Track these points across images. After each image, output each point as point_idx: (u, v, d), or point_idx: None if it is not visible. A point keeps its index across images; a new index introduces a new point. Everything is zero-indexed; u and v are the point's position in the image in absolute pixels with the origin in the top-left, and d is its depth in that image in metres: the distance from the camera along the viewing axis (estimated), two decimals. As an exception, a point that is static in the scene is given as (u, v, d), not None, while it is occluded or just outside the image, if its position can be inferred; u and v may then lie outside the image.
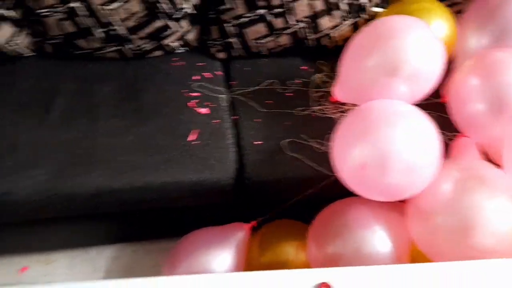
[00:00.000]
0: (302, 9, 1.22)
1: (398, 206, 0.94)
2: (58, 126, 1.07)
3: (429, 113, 0.92)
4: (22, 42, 1.22)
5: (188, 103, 1.17)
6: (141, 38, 1.23)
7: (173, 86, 1.20)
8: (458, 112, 1.00)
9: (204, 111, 1.16)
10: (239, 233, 1.10)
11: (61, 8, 1.15)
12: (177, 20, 1.23)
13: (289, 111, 1.16)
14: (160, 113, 1.13)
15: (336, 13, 1.25)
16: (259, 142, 1.10)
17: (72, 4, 1.15)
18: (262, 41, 1.28)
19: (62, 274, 1.21)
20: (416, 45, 0.94)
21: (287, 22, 1.24)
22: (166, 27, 1.23)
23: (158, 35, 1.24)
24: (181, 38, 1.28)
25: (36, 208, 0.99)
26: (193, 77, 1.24)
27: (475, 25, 1.09)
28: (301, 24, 1.25)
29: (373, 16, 1.28)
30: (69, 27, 1.18)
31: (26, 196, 0.96)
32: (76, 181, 0.98)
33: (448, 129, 1.03)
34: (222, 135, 1.11)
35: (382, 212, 0.92)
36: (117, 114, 1.10)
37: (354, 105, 1.10)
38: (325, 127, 1.08)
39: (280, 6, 1.21)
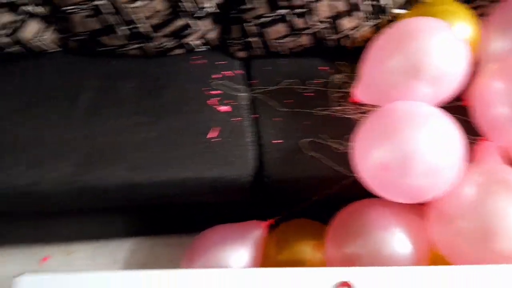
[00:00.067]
0: (323, 10, 1.22)
1: (418, 209, 0.94)
2: (83, 120, 1.09)
3: (450, 116, 0.92)
4: (48, 38, 1.25)
5: (208, 101, 1.18)
6: (164, 36, 1.25)
7: (194, 84, 1.22)
8: (481, 116, 0.99)
9: (224, 109, 1.17)
10: (257, 230, 1.11)
11: (86, 6, 1.18)
12: (199, 18, 1.24)
13: (309, 110, 1.16)
14: (181, 110, 1.14)
15: (357, 14, 1.25)
16: (279, 141, 1.11)
17: (97, 2, 1.17)
18: (282, 41, 1.28)
19: (83, 264, 1.25)
20: (439, 47, 0.93)
21: (307, 22, 1.24)
22: (188, 26, 1.24)
23: (180, 34, 1.26)
24: (202, 36, 1.29)
25: (61, 199, 1.02)
26: (214, 76, 1.25)
27: (501, 28, 1.08)
28: (322, 25, 1.25)
29: (395, 18, 1.28)
30: (93, 24, 1.21)
31: (51, 187, 0.99)
32: (99, 174, 1.00)
33: (470, 132, 1.02)
34: (242, 133, 1.12)
35: (401, 214, 0.92)
36: (139, 110, 1.13)
37: (374, 106, 1.11)
38: (344, 128, 1.09)
39: (302, 6, 1.21)
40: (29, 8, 1.19)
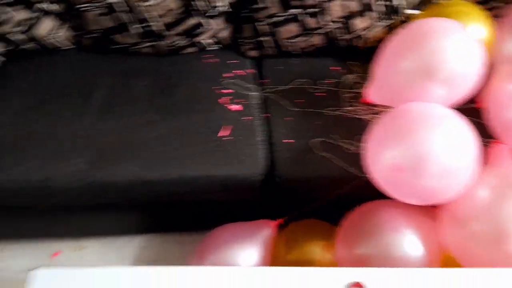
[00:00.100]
0: (336, 9, 1.22)
1: (430, 211, 0.94)
2: (96, 117, 1.10)
3: (464, 118, 0.91)
4: (62, 35, 1.26)
5: (219, 100, 1.19)
6: (176, 35, 1.25)
7: (206, 82, 1.22)
8: (495, 118, 0.99)
9: (235, 108, 1.17)
10: (266, 230, 1.12)
11: (100, 4, 1.19)
12: (211, 17, 1.25)
13: (320, 110, 1.16)
14: (192, 108, 1.15)
15: (370, 14, 1.24)
16: (290, 141, 1.11)
17: (111, 0, 1.18)
18: (294, 40, 1.28)
19: (93, 260, 1.26)
20: (454, 48, 0.93)
21: (320, 22, 1.24)
22: (200, 25, 1.25)
23: (192, 32, 1.26)
24: (214, 35, 1.30)
25: (74, 195, 1.03)
26: (225, 74, 1.26)
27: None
28: (334, 25, 1.25)
29: (407, 18, 1.27)
30: (107, 22, 1.22)
31: (64, 182, 1.00)
32: (112, 171, 1.01)
33: (483, 135, 1.01)
34: (253, 132, 1.12)
35: (413, 216, 0.91)
36: (152, 108, 1.13)
37: (386, 106, 1.10)
38: (356, 128, 1.09)
39: (315, 6, 1.21)
40: (44, 6, 1.20)
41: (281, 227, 1.15)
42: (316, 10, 1.22)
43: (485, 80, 1.04)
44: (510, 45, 1.08)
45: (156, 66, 1.26)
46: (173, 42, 1.27)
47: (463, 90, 0.97)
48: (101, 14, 1.20)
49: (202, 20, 1.24)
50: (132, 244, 1.29)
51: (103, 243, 1.29)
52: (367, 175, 0.96)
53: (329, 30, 1.26)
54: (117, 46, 1.27)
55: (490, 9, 1.24)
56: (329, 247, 1.06)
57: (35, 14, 1.20)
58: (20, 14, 1.18)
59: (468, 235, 0.84)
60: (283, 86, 1.23)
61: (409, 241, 0.89)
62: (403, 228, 0.89)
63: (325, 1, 1.20)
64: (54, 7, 1.22)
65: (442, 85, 0.92)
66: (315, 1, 1.20)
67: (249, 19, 1.28)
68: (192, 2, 1.20)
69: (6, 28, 1.18)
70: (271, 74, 1.28)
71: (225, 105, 1.17)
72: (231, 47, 1.34)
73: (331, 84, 1.24)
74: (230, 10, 1.27)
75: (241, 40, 1.33)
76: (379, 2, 1.23)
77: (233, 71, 1.27)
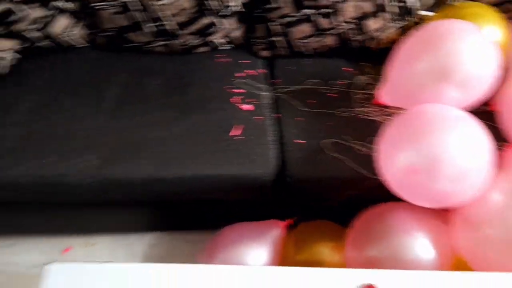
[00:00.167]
0: (349, 10, 1.22)
1: (441, 214, 0.93)
2: (109, 115, 1.11)
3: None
4: (77, 34, 1.27)
5: (231, 99, 1.19)
6: (189, 34, 1.26)
7: (218, 82, 1.23)
8: (509, 122, 0.98)
9: (247, 107, 1.18)
10: (275, 230, 1.12)
11: (115, 2, 1.20)
12: (224, 17, 1.25)
13: (332, 111, 1.16)
14: (204, 107, 1.15)
15: (383, 15, 1.24)
16: (301, 141, 1.11)
17: (125, -2, 1.20)
18: (306, 40, 1.28)
19: (103, 256, 1.27)
20: (470, 50, 0.92)
21: (332, 22, 1.24)
22: (213, 24, 1.25)
23: (205, 32, 1.27)
24: (227, 35, 1.30)
25: (86, 192, 1.04)
26: (237, 74, 1.26)
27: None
28: (347, 25, 1.24)
29: (421, 20, 1.27)
30: (121, 20, 1.23)
31: (78, 179, 1.01)
32: (124, 168, 1.02)
33: (497, 138, 1.00)
34: (264, 132, 1.12)
35: (425, 219, 0.91)
36: (164, 106, 1.14)
37: (399, 108, 1.10)
38: (367, 129, 1.08)
39: (328, 6, 1.21)
40: (59, 4, 1.22)
41: (290, 228, 1.15)
42: (329, 10, 1.22)
43: (500, 83, 1.03)
44: (526, 48, 1.07)
45: (168, 65, 1.27)
46: (186, 41, 1.28)
47: (478, 92, 0.96)
48: (115, 13, 1.21)
49: (215, 20, 1.25)
50: (141, 241, 1.30)
51: (113, 240, 1.30)
52: (378, 177, 0.96)
53: (342, 30, 1.25)
54: (131, 45, 1.28)
55: (505, 11, 1.23)
56: (339, 249, 1.06)
57: (51, 12, 1.21)
58: (36, 12, 1.20)
59: (480, 239, 0.83)
60: (294, 87, 1.23)
61: (421, 244, 0.89)
62: (414, 231, 0.88)
63: (338, 2, 1.20)
64: (69, 5, 1.23)
65: (457, 87, 0.92)
66: (329, 1, 1.20)
67: (262, 19, 1.28)
68: (205, 2, 1.21)
69: (22, 25, 1.20)
70: (283, 74, 1.29)
71: (237, 105, 1.18)
72: (243, 46, 1.35)
73: (343, 85, 1.23)
74: (243, 10, 1.27)
75: (254, 40, 1.33)
76: (392, 3, 1.22)
77: (245, 71, 1.28)
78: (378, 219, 0.94)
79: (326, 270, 0.76)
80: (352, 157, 1.05)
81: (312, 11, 1.22)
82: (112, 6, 1.20)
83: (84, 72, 1.23)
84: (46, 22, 1.22)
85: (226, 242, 1.11)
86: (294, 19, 1.24)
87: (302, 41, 1.28)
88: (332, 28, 1.25)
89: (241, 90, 1.22)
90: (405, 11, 1.25)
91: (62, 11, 1.23)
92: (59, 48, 1.28)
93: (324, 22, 1.24)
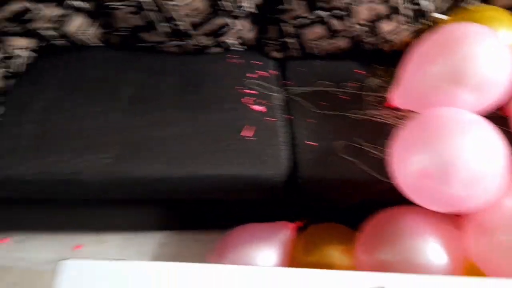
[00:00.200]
0: (363, 12, 1.21)
1: (453, 219, 0.92)
2: (123, 113, 1.12)
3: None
4: (92, 33, 1.29)
5: (242, 99, 1.19)
6: (202, 35, 1.27)
7: (229, 82, 1.23)
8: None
9: (258, 108, 1.18)
10: (285, 231, 1.12)
11: (129, 2, 1.21)
12: (237, 18, 1.26)
13: (343, 113, 1.16)
14: (216, 107, 1.16)
15: (397, 17, 1.23)
16: (312, 143, 1.11)
17: (140, -2, 1.21)
18: (319, 42, 1.28)
19: (113, 254, 1.28)
20: (486, 54, 0.91)
21: (346, 24, 1.24)
22: (226, 25, 1.26)
23: (218, 32, 1.27)
24: (239, 36, 1.31)
25: (99, 189, 1.05)
26: (249, 75, 1.26)
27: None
28: (360, 27, 1.24)
29: (435, 23, 1.26)
30: (135, 20, 1.24)
31: (90, 177, 1.02)
32: (137, 167, 1.03)
33: (510, 144, 0.99)
34: (275, 133, 1.12)
35: (437, 224, 0.90)
36: (177, 106, 1.15)
37: (411, 111, 1.09)
38: (379, 132, 1.08)
39: (342, 8, 1.21)
40: (75, 3, 1.23)
41: (300, 230, 1.15)
42: (343, 12, 1.22)
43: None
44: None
45: (181, 65, 1.28)
46: (199, 41, 1.28)
47: (492, 96, 0.95)
48: (130, 13, 1.23)
49: (228, 20, 1.25)
50: (151, 240, 1.31)
51: (123, 238, 1.31)
52: (390, 180, 0.95)
53: (355, 33, 1.25)
54: (144, 44, 1.29)
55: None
56: (349, 252, 1.06)
57: (66, 11, 1.23)
58: (52, 11, 1.21)
59: (494, 245, 0.82)
60: (306, 88, 1.23)
61: (433, 248, 0.88)
62: (426, 235, 0.88)
63: (352, 4, 1.20)
64: (85, 5, 1.25)
65: (472, 91, 0.91)
66: (342, 3, 1.20)
67: (275, 20, 1.29)
68: (219, 2, 1.21)
69: (38, 24, 1.21)
70: (295, 76, 1.29)
71: (248, 105, 1.18)
72: (255, 47, 1.35)
73: (355, 87, 1.23)
74: (256, 11, 1.28)
75: (265, 41, 1.33)
76: (407, 6, 1.22)
77: (257, 72, 1.28)
78: (390, 223, 0.94)
79: (336, 272, 0.76)
80: (364, 159, 1.05)
81: (326, 13, 1.22)
82: (127, 6, 1.22)
83: (98, 71, 1.25)
84: (62, 21, 1.23)
85: (236, 242, 1.11)
86: (307, 20, 1.24)
87: (314, 42, 1.28)
88: (345, 30, 1.25)
89: (253, 91, 1.22)
90: (419, 14, 1.24)
91: (77, 10, 1.25)
92: (74, 46, 1.29)
93: (337, 24, 1.24)
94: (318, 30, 1.25)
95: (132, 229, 1.32)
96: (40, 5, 1.19)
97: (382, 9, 1.21)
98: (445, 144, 0.81)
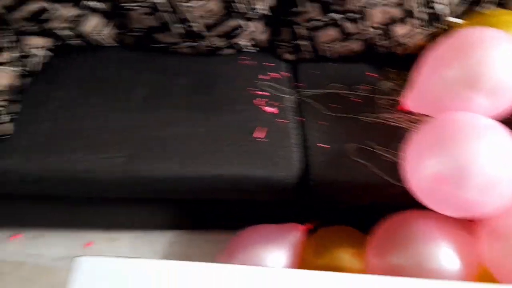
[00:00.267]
0: (377, 15, 1.21)
1: (467, 224, 0.92)
2: (136, 113, 1.13)
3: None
4: (106, 33, 1.31)
5: (254, 101, 1.20)
6: (215, 36, 1.27)
7: (242, 83, 1.24)
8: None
9: (270, 110, 1.18)
10: (295, 233, 1.12)
11: (144, 3, 1.23)
12: (251, 20, 1.26)
13: (355, 116, 1.16)
14: (228, 108, 1.16)
15: (411, 21, 1.23)
16: (324, 145, 1.11)
17: (155, 0, 1.21)
18: (332, 45, 1.28)
19: (124, 252, 1.29)
20: (501, 58, 0.90)
21: (359, 27, 1.24)
22: (239, 26, 1.27)
23: (231, 34, 1.28)
24: (252, 38, 1.31)
25: (112, 188, 1.06)
26: (261, 76, 1.27)
27: None
28: (374, 30, 1.24)
29: (449, 27, 1.25)
30: (150, 21, 1.25)
31: (103, 175, 1.03)
32: (150, 166, 1.04)
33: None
34: (287, 135, 1.13)
35: (450, 229, 0.89)
36: (189, 106, 1.16)
37: (424, 115, 1.08)
38: (392, 135, 1.08)
39: (356, 11, 1.21)
40: (91, 4, 1.25)
41: (310, 232, 1.14)
42: (357, 15, 1.21)
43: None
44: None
45: (194, 66, 1.28)
46: (212, 43, 1.29)
47: (508, 101, 0.94)
48: (145, 13, 1.24)
49: (242, 22, 1.26)
50: (162, 239, 1.32)
51: (134, 237, 1.33)
52: (402, 184, 0.95)
53: (368, 36, 1.25)
54: (157, 45, 1.31)
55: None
56: (359, 255, 1.05)
57: (83, 12, 1.25)
58: (69, 11, 1.23)
59: (508, 251, 0.81)
60: (318, 90, 1.23)
61: (445, 254, 0.87)
62: (439, 240, 0.87)
63: (366, 7, 1.20)
64: (100, 5, 1.26)
65: (487, 95, 0.90)
66: (356, 6, 1.20)
67: (288, 23, 1.29)
68: (233, 4, 1.22)
69: (55, 24, 1.23)
70: (307, 78, 1.29)
71: (260, 107, 1.18)
72: (267, 49, 1.35)
73: (367, 90, 1.23)
74: (270, 14, 1.28)
75: (278, 43, 1.34)
76: (421, 9, 1.21)
77: (269, 74, 1.28)
78: (402, 226, 0.93)
79: (346, 275, 0.75)
80: (376, 162, 1.04)
81: (339, 15, 1.22)
82: (142, 6, 1.23)
83: (112, 71, 1.26)
84: (78, 21, 1.25)
85: (246, 243, 1.11)
86: (320, 23, 1.25)
87: (327, 45, 1.28)
88: (358, 33, 1.25)
89: (265, 93, 1.22)
90: (434, 18, 1.24)
91: (93, 10, 1.26)
92: (89, 46, 1.31)
93: (350, 27, 1.24)
94: (331, 32, 1.25)
95: (142, 228, 1.33)
96: (57, 5, 1.21)
97: (396, 12, 1.21)
98: (460, 149, 0.81)
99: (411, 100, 1.08)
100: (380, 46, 1.27)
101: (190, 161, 1.04)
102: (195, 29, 1.25)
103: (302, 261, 1.10)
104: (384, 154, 1.06)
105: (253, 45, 1.34)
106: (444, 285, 0.75)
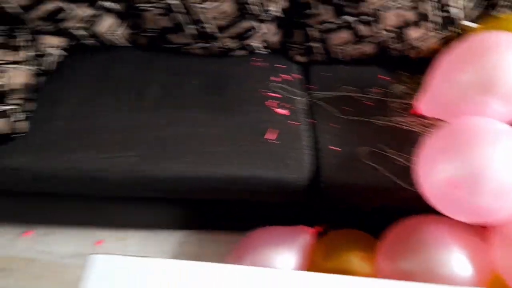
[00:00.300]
0: (391, 18, 1.21)
1: (479, 230, 0.90)
2: (149, 113, 1.14)
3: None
4: (121, 33, 1.32)
5: (266, 102, 1.20)
6: (228, 37, 1.28)
7: (253, 85, 1.24)
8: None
9: (282, 111, 1.18)
10: (305, 236, 1.12)
11: (159, 4, 1.24)
12: (264, 21, 1.27)
13: (367, 119, 1.15)
14: (240, 109, 1.17)
15: (425, 24, 1.22)
16: (336, 148, 1.10)
17: (169, 1, 1.22)
18: (345, 47, 1.28)
19: (134, 251, 1.30)
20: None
21: (373, 30, 1.23)
22: (252, 28, 1.27)
23: (243, 35, 1.29)
24: (265, 39, 1.32)
25: (123, 187, 1.07)
26: (272, 78, 1.27)
27: None
28: (387, 33, 1.23)
29: (464, 30, 1.24)
30: (164, 22, 1.26)
31: (116, 174, 1.04)
32: (162, 166, 1.04)
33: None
34: (299, 137, 1.13)
35: (462, 234, 0.88)
36: (202, 106, 1.16)
37: (438, 119, 1.07)
38: (404, 139, 1.07)
39: (370, 14, 1.21)
40: (106, 4, 1.26)
41: (320, 235, 1.14)
42: (370, 18, 1.21)
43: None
44: None
45: (206, 67, 1.29)
46: (224, 44, 1.30)
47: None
48: (159, 14, 1.25)
49: (255, 24, 1.26)
50: (171, 239, 1.32)
51: (143, 236, 1.33)
52: (414, 188, 0.94)
53: (381, 38, 1.24)
54: (170, 46, 1.32)
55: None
56: (369, 259, 1.05)
57: (98, 12, 1.26)
58: (84, 11, 1.25)
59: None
60: (330, 93, 1.23)
61: (457, 259, 0.86)
62: (451, 246, 0.86)
63: (380, 10, 1.20)
64: (115, 6, 1.27)
65: (502, 100, 0.89)
66: (370, 9, 1.20)
67: (301, 25, 1.29)
68: (246, 6, 1.23)
69: (70, 23, 1.25)
70: (318, 80, 1.29)
71: (272, 108, 1.19)
72: (279, 51, 1.36)
73: (379, 93, 1.22)
74: (283, 15, 1.28)
75: (290, 45, 1.34)
76: (436, 13, 1.21)
77: (280, 75, 1.28)
78: (414, 231, 0.93)
79: (356, 278, 0.75)
80: (387, 166, 1.04)
81: (353, 18, 1.22)
82: (156, 7, 1.24)
83: (125, 71, 1.27)
84: (93, 21, 1.27)
85: (256, 244, 1.11)
86: (333, 25, 1.24)
87: (339, 47, 1.28)
88: (372, 36, 1.24)
89: (277, 95, 1.22)
90: (448, 22, 1.23)
91: (108, 11, 1.28)
92: (103, 46, 1.33)
93: (364, 30, 1.23)
94: (344, 35, 1.25)
95: (152, 227, 1.33)
96: (73, 5, 1.23)
97: (410, 15, 1.20)
98: (475, 154, 0.80)
99: (424, 104, 1.07)
100: (393, 49, 1.27)
101: (201, 161, 1.05)
102: (208, 30, 1.26)
103: (311, 264, 1.10)
104: (396, 157, 1.05)
105: (265, 47, 1.35)
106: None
